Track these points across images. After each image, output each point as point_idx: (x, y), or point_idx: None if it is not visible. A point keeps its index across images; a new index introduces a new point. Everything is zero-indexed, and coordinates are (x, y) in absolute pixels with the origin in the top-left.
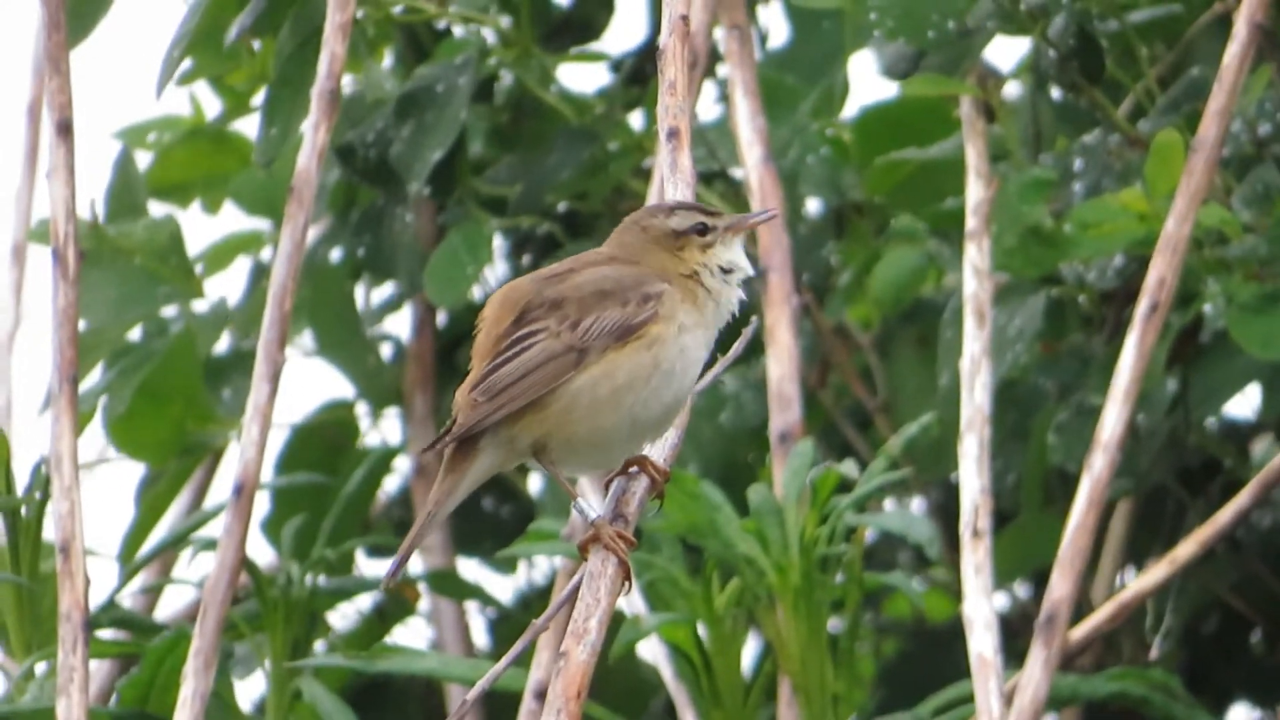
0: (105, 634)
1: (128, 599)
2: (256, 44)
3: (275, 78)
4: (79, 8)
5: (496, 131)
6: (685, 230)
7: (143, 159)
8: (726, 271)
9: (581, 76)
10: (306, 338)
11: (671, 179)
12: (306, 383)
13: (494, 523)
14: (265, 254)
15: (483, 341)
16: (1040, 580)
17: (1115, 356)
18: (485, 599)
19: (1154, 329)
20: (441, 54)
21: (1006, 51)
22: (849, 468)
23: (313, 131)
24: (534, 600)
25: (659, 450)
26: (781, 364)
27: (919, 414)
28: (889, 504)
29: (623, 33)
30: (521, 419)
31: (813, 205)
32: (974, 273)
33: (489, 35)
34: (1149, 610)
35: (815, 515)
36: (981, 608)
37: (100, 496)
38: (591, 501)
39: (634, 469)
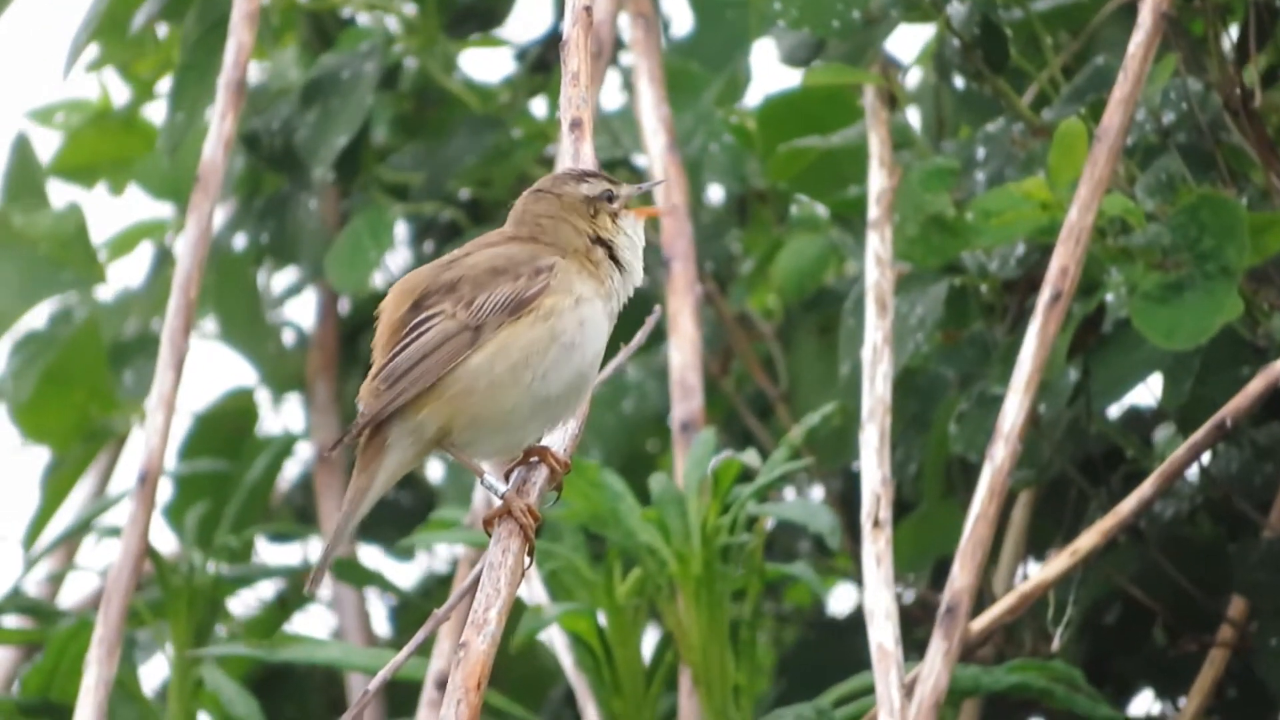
0: (9, 621)
1: (32, 586)
2: (162, 30)
3: (180, 64)
4: None
5: (400, 119)
6: (597, 196)
7: (50, 140)
8: (634, 244)
9: (485, 65)
10: (209, 323)
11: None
12: (209, 369)
13: (395, 510)
14: (169, 240)
15: (382, 332)
16: (941, 571)
17: (1017, 346)
18: (386, 586)
19: (1056, 318)
20: (346, 42)
21: (910, 39)
22: (751, 457)
23: (218, 120)
24: (435, 588)
25: (559, 440)
26: (684, 353)
27: (821, 403)
28: (790, 493)
29: (526, 21)
30: (424, 405)
31: (716, 194)
32: (876, 261)
33: (393, 23)
34: (1050, 601)
35: (717, 505)
36: (882, 598)
37: (3, 483)
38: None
39: (534, 459)
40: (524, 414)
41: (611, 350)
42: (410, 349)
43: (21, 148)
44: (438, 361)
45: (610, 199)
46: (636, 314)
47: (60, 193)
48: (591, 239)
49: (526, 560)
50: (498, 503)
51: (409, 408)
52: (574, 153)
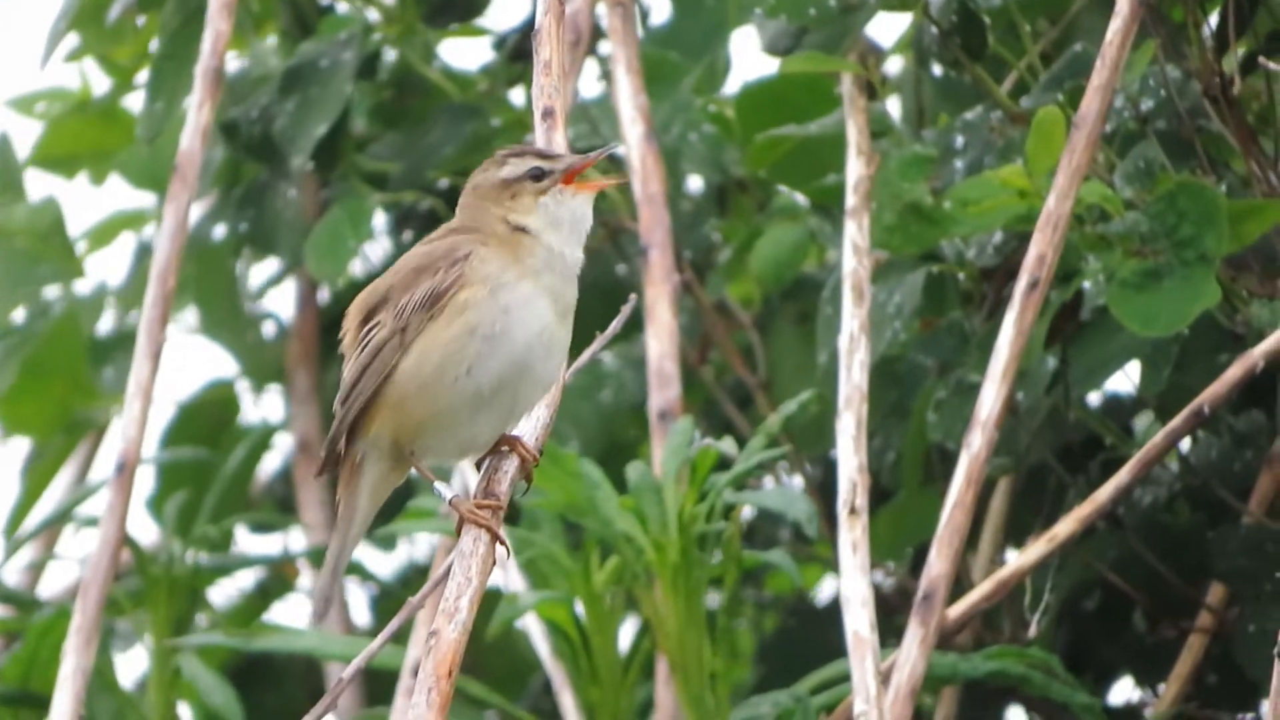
0: None
1: (11, 575)
2: (141, 20)
3: (159, 53)
4: None
5: (380, 108)
6: (517, 178)
7: (30, 130)
8: (558, 222)
9: (464, 53)
10: (189, 315)
11: None
12: (189, 360)
13: None
14: (148, 231)
15: (345, 352)
16: (919, 558)
17: (994, 334)
18: (365, 575)
19: (1034, 306)
20: (325, 30)
21: (888, 27)
22: (728, 445)
23: (196, 110)
24: (414, 577)
25: (530, 429)
26: (661, 341)
27: (799, 391)
28: (768, 481)
29: (505, 10)
30: (373, 417)
31: (695, 182)
32: (853, 250)
33: (372, 12)
34: (1028, 588)
35: (694, 493)
36: (858, 585)
37: None
38: (469, 481)
39: (504, 449)
40: (464, 412)
41: (587, 339)
42: (353, 364)
43: (1, 143)
44: (374, 372)
45: (538, 177)
46: (613, 303)
47: (41, 183)
48: (509, 224)
49: (500, 550)
50: (470, 491)
51: (363, 423)
52: (546, 141)
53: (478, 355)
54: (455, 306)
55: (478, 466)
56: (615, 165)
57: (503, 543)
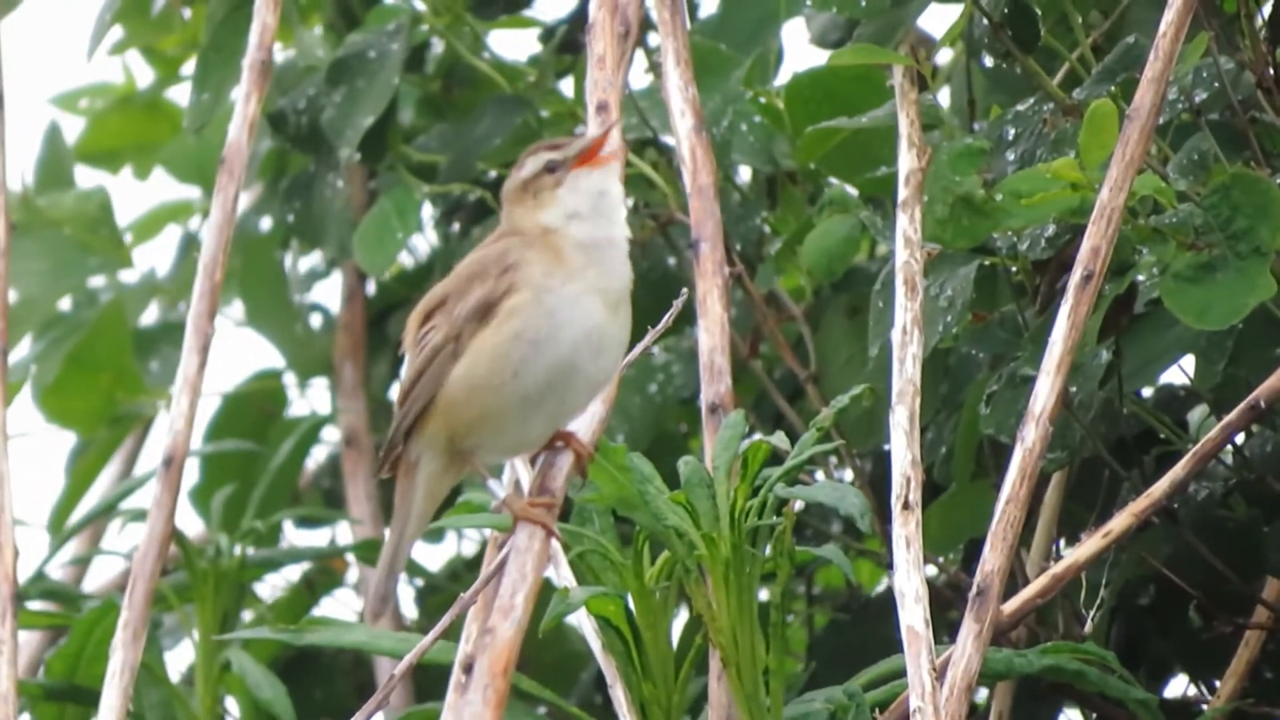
0: (34, 605)
1: (56, 570)
2: (186, 12)
3: (206, 43)
4: None
5: (428, 99)
6: (534, 176)
7: (74, 125)
8: (579, 211)
9: (513, 44)
10: (235, 307)
11: None
12: (236, 352)
13: None
14: (194, 223)
15: (405, 352)
16: (972, 553)
17: (1047, 327)
18: (413, 569)
19: (1088, 299)
20: (373, 21)
21: (939, 19)
22: (780, 439)
23: (243, 102)
24: (462, 571)
25: (585, 424)
26: (713, 335)
27: (850, 384)
28: (820, 476)
29: (553, 0)
30: (430, 419)
31: (746, 174)
32: (905, 242)
33: (420, 2)
34: (1083, 583)
35: (746, 487)
36: (912, 580)
37: (29, 467)
38: (521, 477)
39: (559, 444)
40: (514, 414)
41: (638, 333)
42: (412, 367)
43: (53, 136)
44: (431, 376)
45: (553, 169)
46: (663, 295)
47: (86, 179)
48: (540, 225)
49: (555, 545)
50: (524, 487)
51: (421, 423)
52: None
53: (523, 359)
54: (504, 313)
55: (532, 462)
56: (663, 154)
57: (559, 539)
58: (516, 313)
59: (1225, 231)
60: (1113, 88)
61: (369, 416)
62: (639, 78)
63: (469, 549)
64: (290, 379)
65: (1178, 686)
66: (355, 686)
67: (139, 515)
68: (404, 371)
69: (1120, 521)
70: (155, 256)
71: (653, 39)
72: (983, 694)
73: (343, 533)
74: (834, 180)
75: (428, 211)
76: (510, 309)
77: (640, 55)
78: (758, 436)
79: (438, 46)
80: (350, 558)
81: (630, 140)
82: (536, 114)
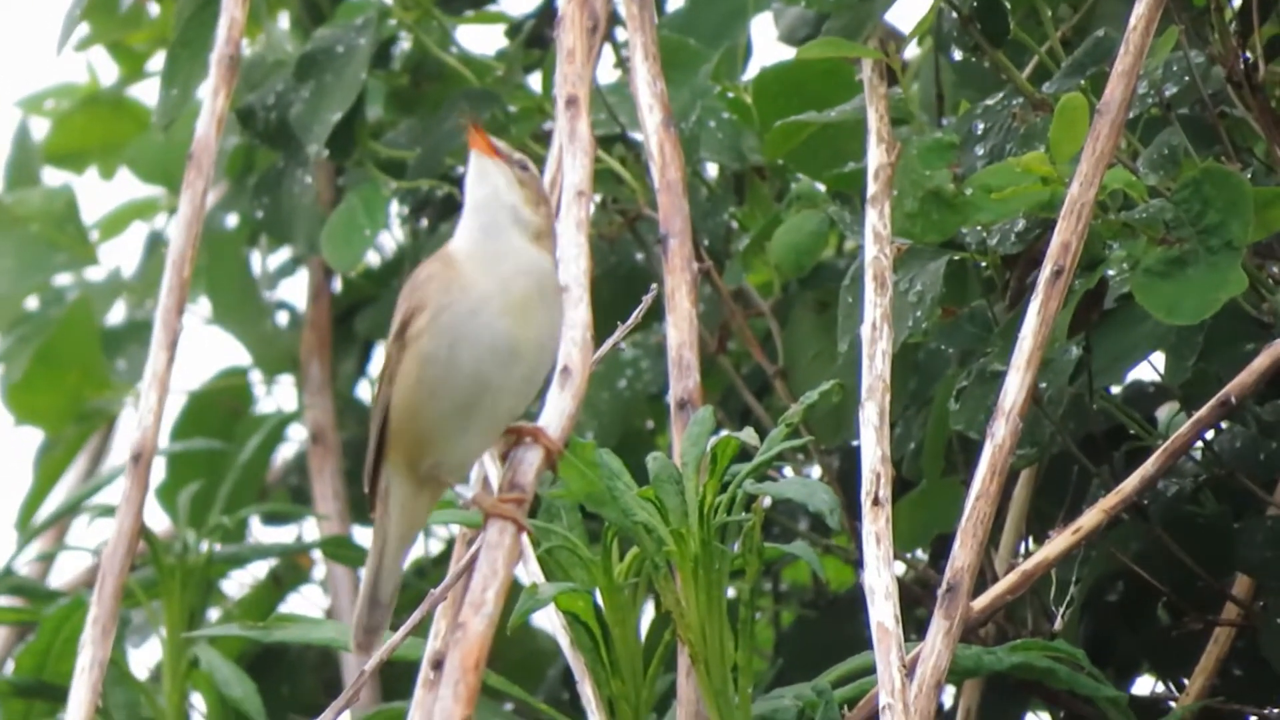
0: (2, 601)
1: (23, 566)
2: (154, 7)
3: (174, 38)
4: None
5: (396, 94)
6: None
7: (39, 126)
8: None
9: (480, 39)
10: (201, 305)
11: (570, 147)
12: (202, 349)
13: None
14: (160, 221)
15: None
16: (941, 549)
17: (1017, 322)
18: None
19: (1058, 294)
20: (340, 16)
21: (908, 13)
22: (749, 435)
23: (211, 98)
24: (430, 567)
25: (554, 420)
26: (681, 331)
27: (819, 380)
28: (786, 471)
29: None
30: (388, 446)
31: (714, 170)
32: (874, 238)
33: None
34: (1053, 580)
35: (714, 483)
36: (882, 577)
37: None
38: (490, 474)
39: (528, 440)
40: (447, 431)
41: (606, 328)
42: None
43: (22, 136)
44: (379, 403)
45: None
46: (632, 290)
47: (52, 180)
48: None
49: (525, 541)
50: (493, 484)
51: (382, 451)
52: (570, 130)
53: (435, 380)
54: (413, 335)
55: (502, 459)
56: (631, 149)
57: (531, 533)
58: (421, 334)
59: (1196, 226)
60: (1082, 82)
61: (335, 413)
62: (607, 72)
63: (435, 547)
64: (256, 376)
65: (1147, 683)
66: (322, 683)
67: (107, 511)
68: None
69: (1090, 518)
70: (121, 256)
71: (621, 33)
72: (949, 692)
73: (309, 529)
74: (802, 175)
75: (395, 208)
76: (417, 331)
77: (608, 50)
78: (726, 432)
79: (405, 41)
80: (317, 554)
81: (598, 135)
82: (504, 109)
